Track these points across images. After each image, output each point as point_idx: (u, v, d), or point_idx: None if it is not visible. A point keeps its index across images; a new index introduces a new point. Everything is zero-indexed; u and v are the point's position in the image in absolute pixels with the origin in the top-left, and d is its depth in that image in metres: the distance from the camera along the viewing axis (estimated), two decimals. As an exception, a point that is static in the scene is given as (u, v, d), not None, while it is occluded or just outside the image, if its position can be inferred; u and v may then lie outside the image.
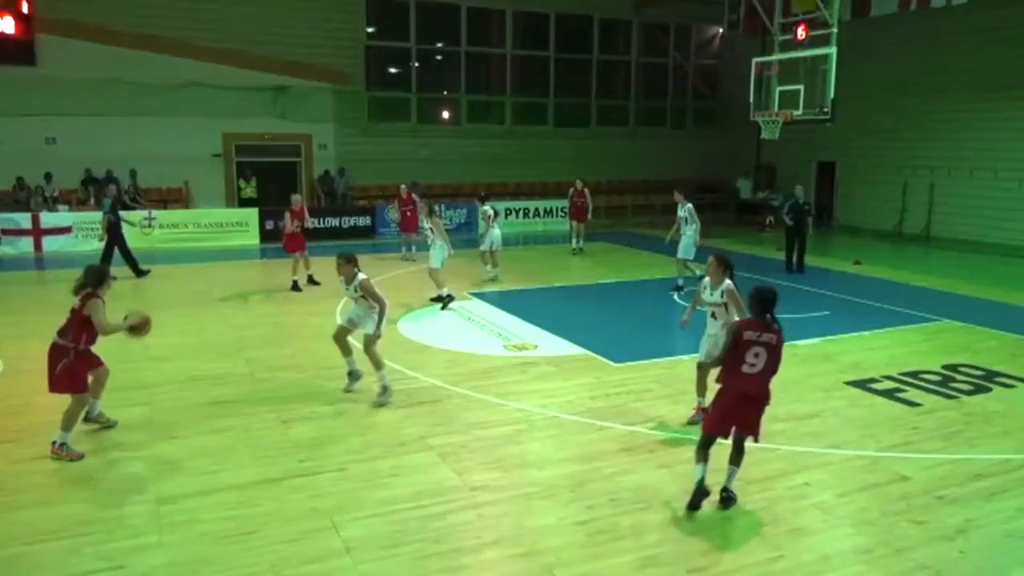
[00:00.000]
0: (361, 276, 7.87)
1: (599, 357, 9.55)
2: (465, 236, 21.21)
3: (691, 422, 7.32)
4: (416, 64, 23.49)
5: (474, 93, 24.42)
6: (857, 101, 20.34)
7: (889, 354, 9.84)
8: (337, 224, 20.64)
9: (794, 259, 15.83)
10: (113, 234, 14.63)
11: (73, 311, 6.57)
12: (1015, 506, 5.76)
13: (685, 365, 9.22)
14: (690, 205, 13.57)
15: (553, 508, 5.67)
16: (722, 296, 6.99)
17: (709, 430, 5.75)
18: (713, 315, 7.17)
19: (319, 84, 21.74)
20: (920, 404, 7.99)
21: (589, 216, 19.10)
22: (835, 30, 15.45)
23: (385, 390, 7.84)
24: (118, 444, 6.75)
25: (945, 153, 20.30)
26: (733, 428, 5.63)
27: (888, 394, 8.28)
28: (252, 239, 19.64)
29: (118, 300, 12.67)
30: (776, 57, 17.02)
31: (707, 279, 7.14)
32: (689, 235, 13.37)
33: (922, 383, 8.65)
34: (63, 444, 6.42)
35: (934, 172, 20.62)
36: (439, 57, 24.37)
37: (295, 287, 13.46)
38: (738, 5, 20.68)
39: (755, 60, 17.58)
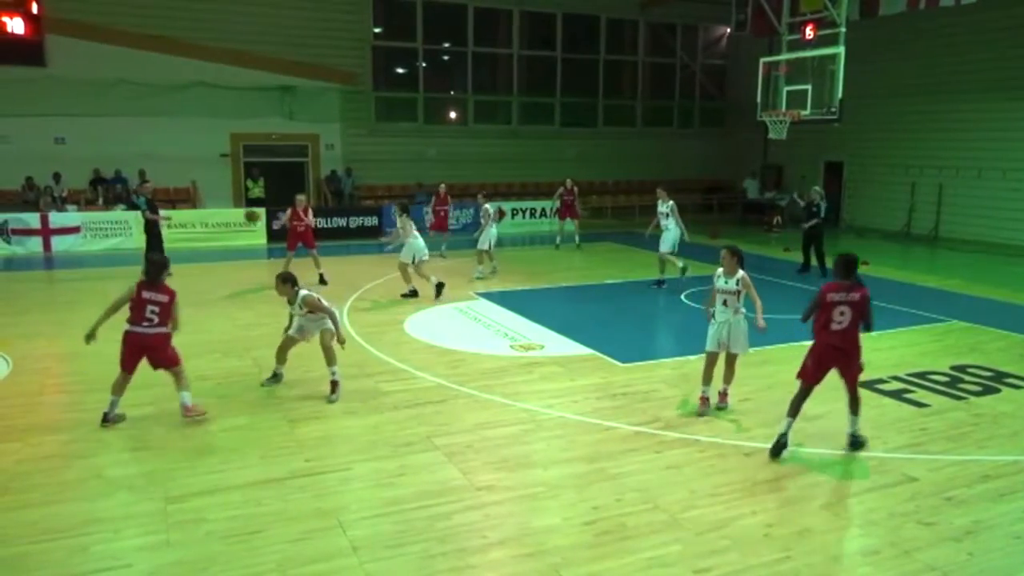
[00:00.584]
0: (303, 292, 7.89)
1: (606, 357, 9.53)
2: (471, 235, 21.23)
3: (700, 414, 7.39)
4: (423, 64, 23.51)
5: (481, 93, 24.44)
6: (865, 101, 20.28)
7: (897, 355, 9.79)
8: (344, 224, 20.70)
9: (811, 261, 15.51)
10: (152, 230, 14.65)
11: (160, 304, 7.03)
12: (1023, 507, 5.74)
13: (692, 365, 9.20)
14: (672, 203, 13.83)
15: (559, 508, 5.67)
16: (737, 284, 7.36)
17: (809, 380, 6.52)
18: (725, 303, 7.44)
19: (326, 84, 21.80)
20: (928, 405, 7.95)
21: (580, 213, 19.40)
22: (843, 29, 15.42)
23: (335, 387, 7.89)
24: (125, 443, 6.77)
25: (953, 153, 20.23)
26: (843, 381, 6.52)
27: (896, 395, 8.24)
28: (259, 239, 19.69)
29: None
30: (784, 57, 16.98)
31: (720, 269, 7.48)
32: (672, 231, 13.69)
33: (930, 384, 8.61)
34: (190, 405, 7.17)
35: (942, 172, 20.55)
36: (446, 57, 24.40)
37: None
38: (745, 5, 20.58)
39: (762, 60, 17.55)
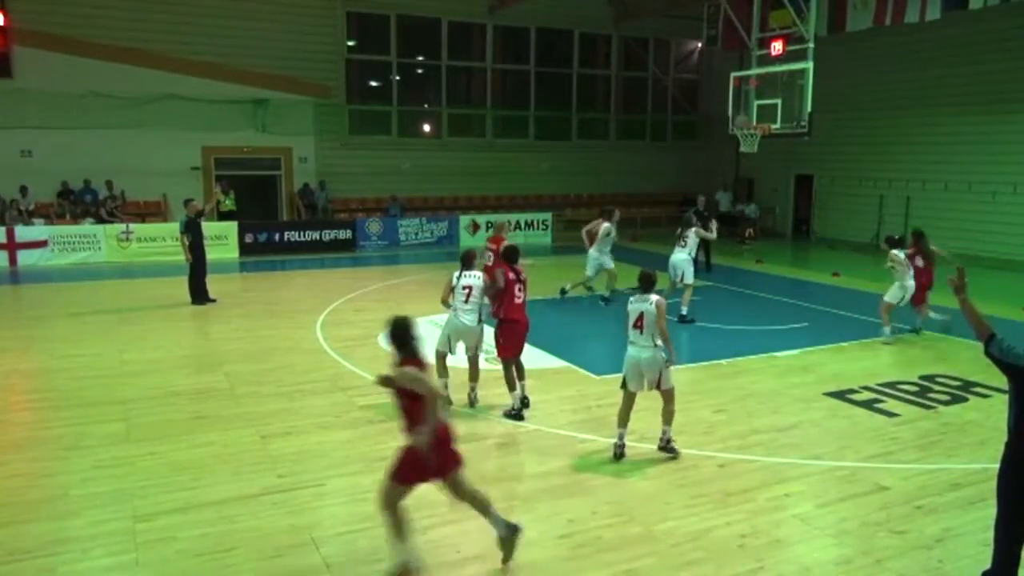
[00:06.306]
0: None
1: (581, 370, 9.55)
2: (446, 249, 21.23)
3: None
4: (397, 77, 23.51)
5: (455, 106, 24.44)
6: (834, 115, 20.59)
7: (867, 365, 9.92)
8: (318, 237, 20.59)
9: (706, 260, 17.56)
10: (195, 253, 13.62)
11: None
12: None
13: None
14: (607, 224, 14.06)
15: (534, 522, 5.65)
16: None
17: None
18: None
19: (299, 97, 21.68)
20: (898, 415, 8.06)
21: None
22: (811, 45, 15.64)
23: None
24: (92, 461, 6.66)
25: (920, 167, 20.56)
26: None
27: (867, 405, 8.34)
28: (231, 252, 19.49)
29: (111, 312, 12.55)
30: (754, 71, 17.19)
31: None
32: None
33: (900, 394, 8.72)
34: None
35: (909, 185, 20.88)
36: (420, 71, 24.39)
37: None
38: (716, 20, 20.87)
39: (733, 74, 17.75)
